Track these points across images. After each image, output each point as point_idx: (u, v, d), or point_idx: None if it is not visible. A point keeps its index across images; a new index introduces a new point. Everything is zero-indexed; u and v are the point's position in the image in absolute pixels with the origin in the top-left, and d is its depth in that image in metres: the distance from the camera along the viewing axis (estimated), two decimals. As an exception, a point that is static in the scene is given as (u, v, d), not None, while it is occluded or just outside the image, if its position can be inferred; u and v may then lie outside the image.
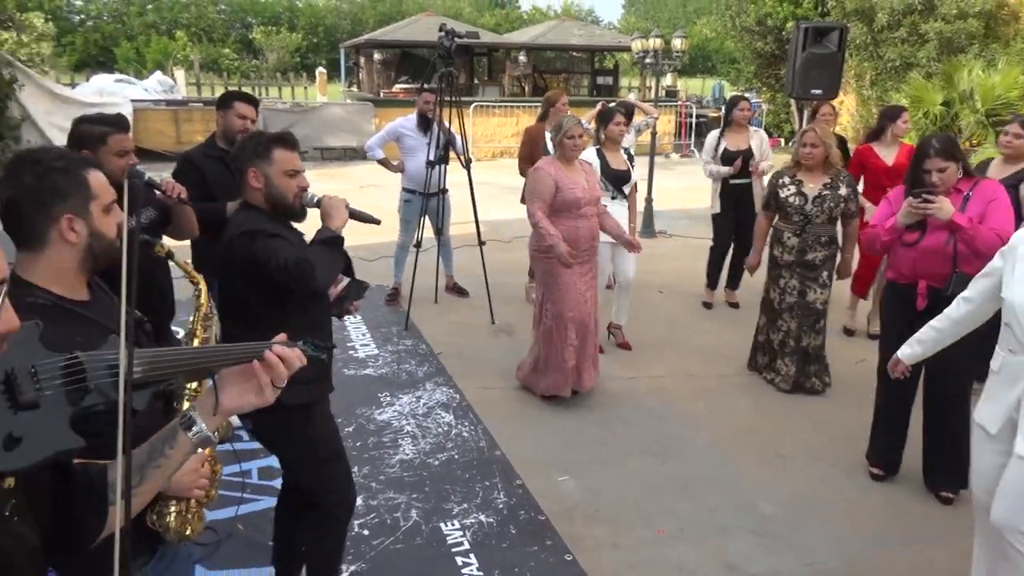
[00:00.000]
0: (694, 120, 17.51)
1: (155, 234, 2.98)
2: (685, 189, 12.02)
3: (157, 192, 3.03)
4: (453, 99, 5.71)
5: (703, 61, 50.68)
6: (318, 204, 2.55)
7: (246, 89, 19.58)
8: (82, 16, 43.64)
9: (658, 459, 4.05)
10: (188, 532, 1.75)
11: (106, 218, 1.63)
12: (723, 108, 6.29)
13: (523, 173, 5.93)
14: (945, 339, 2.97)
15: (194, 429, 1.25)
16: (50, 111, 12.29)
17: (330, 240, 2.47)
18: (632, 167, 5.37)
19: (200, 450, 1.81)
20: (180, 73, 18.93)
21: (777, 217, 4.79)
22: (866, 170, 5.49)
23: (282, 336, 1.35)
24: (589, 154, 5.23)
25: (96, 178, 1.63)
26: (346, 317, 6.13)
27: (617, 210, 5.22)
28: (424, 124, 6.01)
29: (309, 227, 2.55)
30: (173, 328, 3.55)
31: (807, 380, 4.79)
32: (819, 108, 6.11)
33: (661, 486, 3.80)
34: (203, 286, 2.00)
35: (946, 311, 2.94)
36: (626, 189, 5.32)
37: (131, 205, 3.01)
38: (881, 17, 13.28)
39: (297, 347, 1.34)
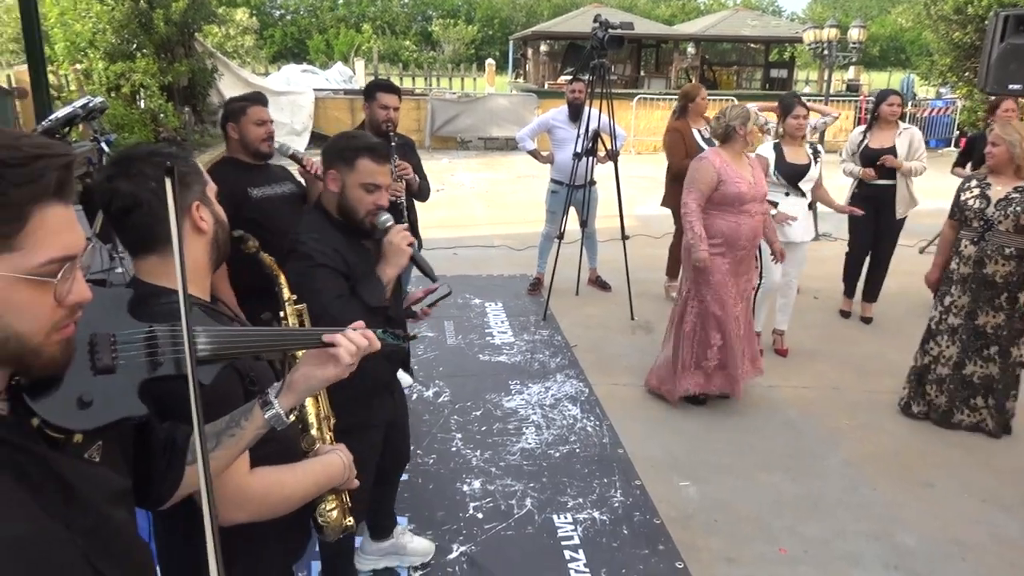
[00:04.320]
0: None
1: (295, 208, 3.17)
2: (858, 190, 11.21)
3: (298, 166, 3.29)
4: (604, 91, 5.65)
5: (896, 53, 47.10)
6: (386, 232, 2.32)
7: (419, 79, 20.48)
8: (282, 11, 47.32)
9: (789, 474, 3.82)
10: (349, 523, 1.71)
11: (217, 204, 1.56)
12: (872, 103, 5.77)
13: (674, 169, 5.78)
14: None
15: (268, 407, 1.30)
16: (243, 98, 13.41)
17: (373, 311, 2.19)
18: (816, 161, 5.04)
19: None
20: (359, 64, 20.00)
21: None
22: None
23: (359, 323, 1.38)
24: (766, 148, 5.04)
25: (199, 163, 1.60)
26: (487, 304, 6.26)
27: (792, 206, 4.97)
28: (575, 114, 5.99)
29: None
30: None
31: (969, 414, 4.24)
32: (999, 104, 5.50)
33: (788, 503, 3.59)
34: (283, 280, 1.95)
35: None
36: (804, 186, 5.02)
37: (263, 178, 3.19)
38: (1109, 3, 11.72)
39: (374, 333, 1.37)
